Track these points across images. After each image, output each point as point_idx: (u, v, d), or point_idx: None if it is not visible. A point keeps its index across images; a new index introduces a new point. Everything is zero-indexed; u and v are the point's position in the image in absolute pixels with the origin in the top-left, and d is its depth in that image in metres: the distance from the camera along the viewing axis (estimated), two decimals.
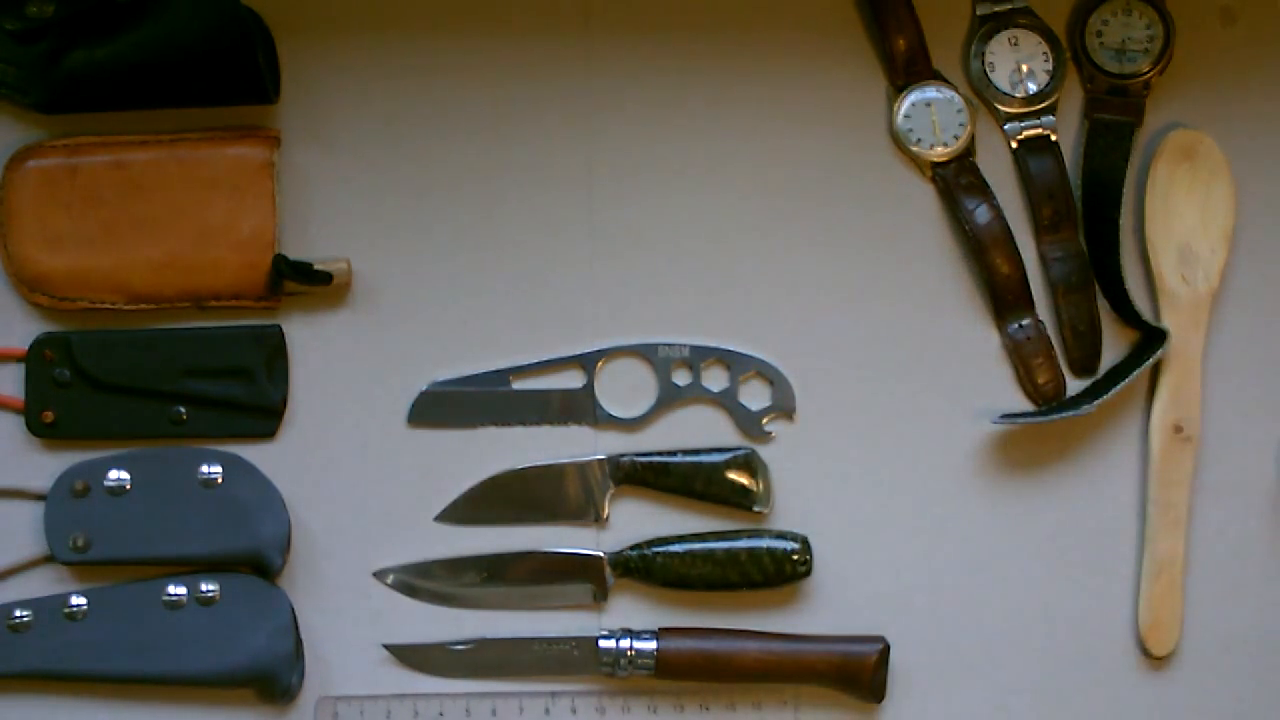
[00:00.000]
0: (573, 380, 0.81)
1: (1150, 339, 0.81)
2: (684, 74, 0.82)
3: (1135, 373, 0.79)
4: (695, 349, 0.80)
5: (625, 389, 0.81)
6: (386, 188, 0.81)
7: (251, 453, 0.79)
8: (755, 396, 0.81)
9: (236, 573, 0.78)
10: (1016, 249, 0.81)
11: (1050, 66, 0.82)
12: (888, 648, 0.78)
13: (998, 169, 0.82)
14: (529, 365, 0.80)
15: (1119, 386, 0.79)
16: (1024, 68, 0.82)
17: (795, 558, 0.78)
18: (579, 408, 0.80)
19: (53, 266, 0.78)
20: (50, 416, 0.79)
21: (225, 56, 0.77)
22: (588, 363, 0.80)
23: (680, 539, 0.79)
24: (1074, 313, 0.82)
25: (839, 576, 0.80)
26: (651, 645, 0.78)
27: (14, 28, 0.77)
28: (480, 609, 0.79)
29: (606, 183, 0.81)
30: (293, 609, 0.78)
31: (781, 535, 0.79)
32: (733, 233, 0.81)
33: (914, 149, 0.81)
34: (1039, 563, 0.81)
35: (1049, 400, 0.81)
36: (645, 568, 0.78)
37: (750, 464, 0.79)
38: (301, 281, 0.78)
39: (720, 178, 0.81)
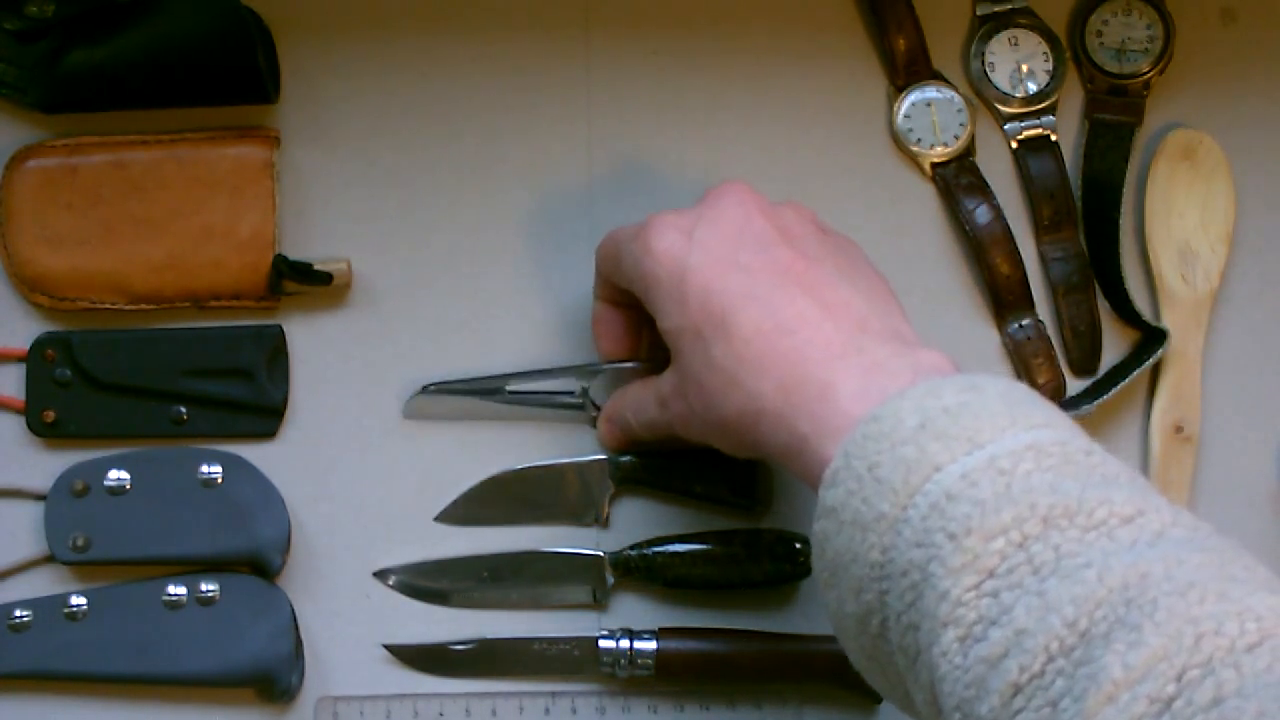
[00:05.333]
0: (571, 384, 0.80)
1: (1150, 339, 0.81)
2: (684, 73, 0.82)
3: (1135, 373, 0.79)
4: None
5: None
6: (387, 188, 0.81)
7: (251, 453, 0.79)
8: None
9: (236, 573, 0.78)
10: (1016, 249, 0.81)
11: (1050, 66, 0.82)
12: None
13: (998, 169, 0.82)
14: (527, 373, 0.79)
15: (1119, 386, 0.79)
16: (1024, 68, 0.82)
17: (795, 558, 0.78)
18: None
19: (53, 266, 0.78)
20: (51, 416, 0.79)
21: (225, 56, 0.77)
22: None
23: (680, 539, 0.79)
24: (1074, 313, 0.82)
25: None
26: (651, 645, 0.78)
27: (14, 28, 0.77)
28: (480, 609, 0.79)
29: (606, 182, 0.81)
30: (293, 609, 0.78)
31: (782, 535, 0.79)
32: None
33: (914, 149, 0.81)
34: None
35: (1049, 400, 0.81)
36: (645, 568, 0.78)
37: (750, 465, 0.79)
38: (301, 281, 0.78)
39: (720, 177, 0.81)
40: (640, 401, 0.74)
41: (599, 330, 0.77)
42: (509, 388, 0.79)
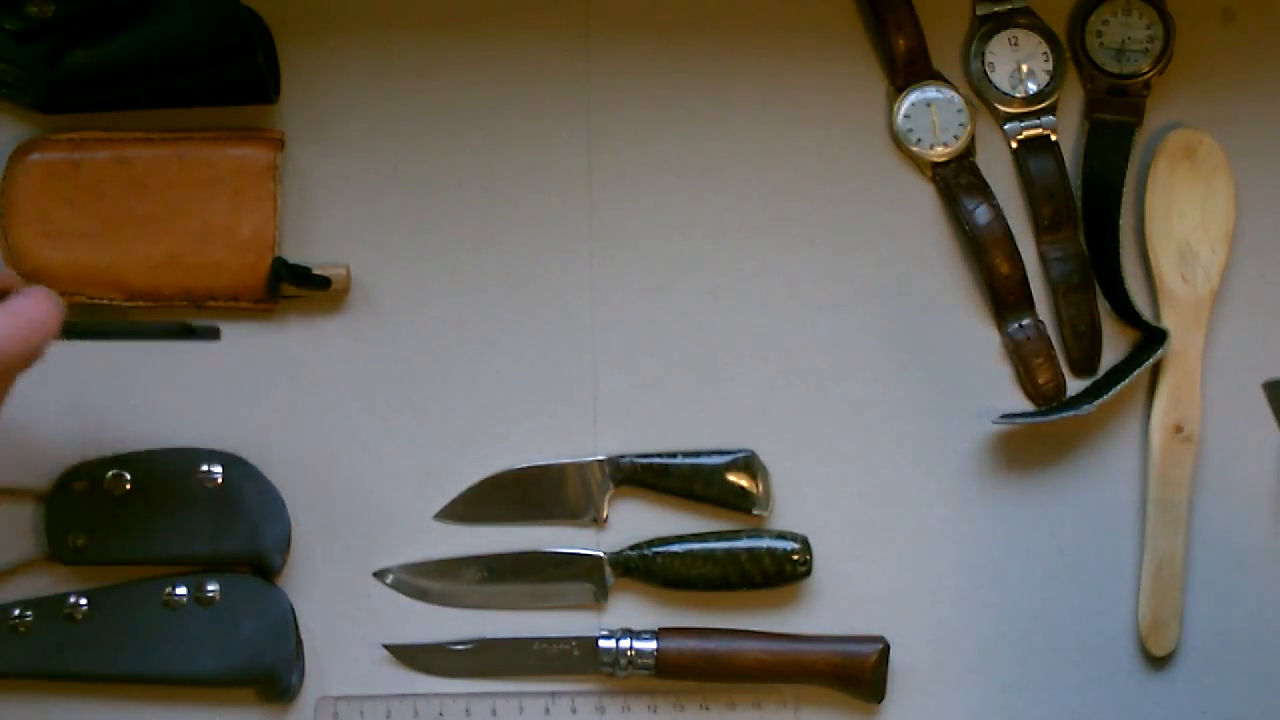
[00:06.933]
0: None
1: (1150, 339, 0.81)
2: (684, 74, 0.82)
3: (1135, 373, 0.79)
4: None
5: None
6: (386, 188, 0.81)
7: (251, 453, 0.79)
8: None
9: (236, 573, 0.78)
10: (1016, 249, 0.81)
11: (1050, 66, 0.82)
12: (888, 648, 0.78)
13: (998, 169, 0.82)
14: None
15: (1119, 386, 0.79)
16: (1024, 68, 0.82)
17: (795, 558, 0.78)
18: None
19: (52, 260, 0.78)
20: None
21: (225, 56, 0.77)
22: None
23: (680, 539, 0.79)
24: (1074, 313, 0.82)
25: (839, 576, 0.80)
26: (651, 645, 0.78)
27: (14, 28, 0.77)
28: (480, 609, 0.80)
29: (606, 183, 0.81)
30: (293, 609, 0.78)
31: (781, 535, 0.79)
32: (733, 232, 0.81)
33: (914, 149, 0.81)
34: (1039, 562, 0.81)
35: (1049, 400, 0.81)
36: (645, 568, 0.78)
37: (750, 466, 0.79)
38: (299, 285, 0.78)
39: (720, 178, 0.81)
40: None
41: None
42: None
